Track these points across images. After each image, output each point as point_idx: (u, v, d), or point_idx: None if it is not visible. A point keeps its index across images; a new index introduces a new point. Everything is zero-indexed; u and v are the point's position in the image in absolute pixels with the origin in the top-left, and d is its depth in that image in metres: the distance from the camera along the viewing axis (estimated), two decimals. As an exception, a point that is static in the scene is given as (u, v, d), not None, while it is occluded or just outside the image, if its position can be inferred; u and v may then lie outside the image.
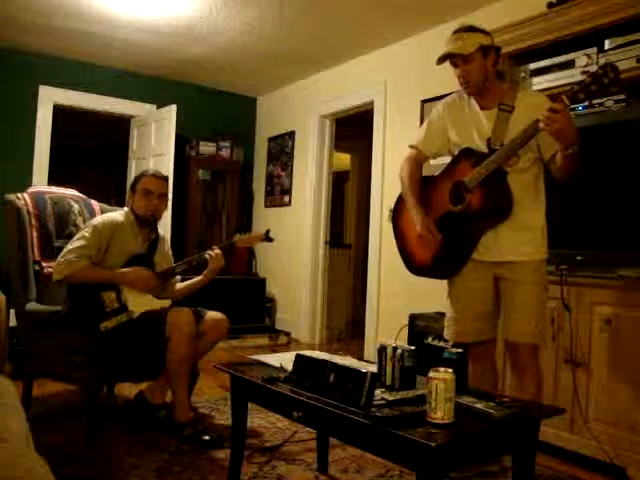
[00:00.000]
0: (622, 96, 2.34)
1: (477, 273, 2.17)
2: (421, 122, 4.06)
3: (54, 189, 3.13)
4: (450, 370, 1.46)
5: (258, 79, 5.56)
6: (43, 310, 2.67)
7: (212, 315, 2.66)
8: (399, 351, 1.72)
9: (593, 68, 2.41)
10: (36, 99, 4.93)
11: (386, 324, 4.31)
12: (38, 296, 2.78)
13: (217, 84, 5.74)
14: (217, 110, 5.81)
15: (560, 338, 2.45)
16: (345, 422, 1.50)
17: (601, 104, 2.41)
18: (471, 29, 2.10)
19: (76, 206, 3.06)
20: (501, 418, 1.48)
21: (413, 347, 1.76)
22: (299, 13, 3.96)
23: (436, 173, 2.28)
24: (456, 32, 2.11)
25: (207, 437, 2.43)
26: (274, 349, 4.95)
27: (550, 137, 1.92)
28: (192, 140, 5.52)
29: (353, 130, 5.78)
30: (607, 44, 2.44)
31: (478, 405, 1.53)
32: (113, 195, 6.52)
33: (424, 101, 4.09)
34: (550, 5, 2.69)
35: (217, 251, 2.71)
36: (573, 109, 1.88)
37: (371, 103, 4.68)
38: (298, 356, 1.79)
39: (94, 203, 3.18)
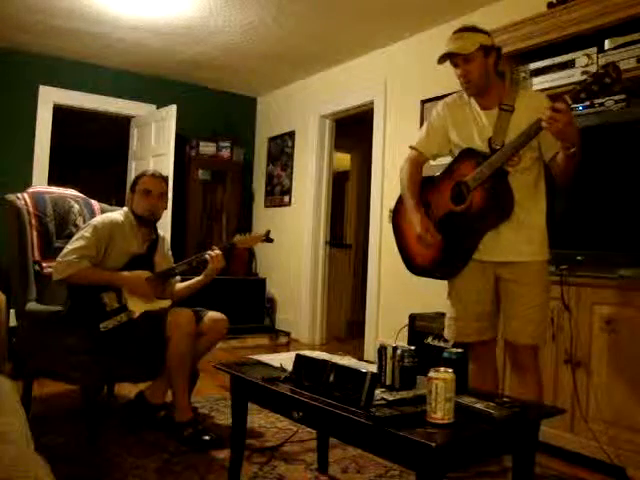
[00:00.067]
0: (622, 96, 2.34)
1: (478, 273, 2.17)
2: (421, 122, 4.06)
3: (54, 189, 3.13)
4: (450, 370, 1.46)
5: (258, 79, 5.56)
6: (43, 310, 2.67)
7: (212, 315, 2.66)
8: (399, 351, 1.72)
9: (593, 68, 2.41)
10: (36, 99, 4.93)
11: (386, 324, 4.31)
12: (38, 296, 2.78)
13: (217, 84, 5.74)
14: (217, 110, 5.81)
15: (560, 338, 2.45)
16: (345, 422, 1.50)
17: (601, 104, 2.41)
18: (472, 29, 2.10)
19: (76, 206, 3.06)
20: (501, 418, 1.48)
21: (413, 347, 1.76)
22: (299, 13, 3.96)
23: (437, 173, 2.28)
24: (457, 32, 2.11)
25: (207, 437, 2.43)
26: (274, 349, 4.95)
27: (551, 137, 1.92)
28: (192, 140, 5.52)
29: (353, 130, 5.78)
30: (607, 44, 2.45)
31: (478, 405, 1.53)
32: (113, 195, 6.53)
33: (424, 101, 4.09)
34: (550, 5, 2.70)
35: (217, 251, 2.71)
36: (573, 109, 1.88)
37: (371, 103, 4.67)
38: (298, 356, 1.79)
39: (94, 203, 3.18)
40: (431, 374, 1.44)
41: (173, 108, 5.02)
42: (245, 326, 5.09)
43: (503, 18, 2.86)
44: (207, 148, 5.57)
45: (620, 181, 2.37)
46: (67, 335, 2.53)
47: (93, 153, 8.60)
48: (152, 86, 5.50)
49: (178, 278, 2.90)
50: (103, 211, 3.09)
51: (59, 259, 2.54)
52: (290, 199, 5.60)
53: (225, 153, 5.65)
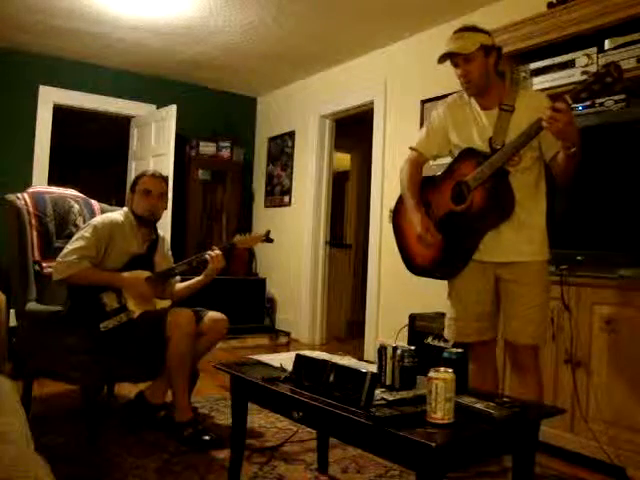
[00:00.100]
0: (622, 96, 2.34)
1: (478, 274, 2.17)
2: (421, 122, 4.07)
3: (54, 189, 3.13)
4: (450, 370, 1.46)
5: (258, 79, 5.56)
6: (43, 310, 2.67)
7: (212, 315, 2.66)
8: (399, 351, 1.72)
9: (593, 68, 2.41)
10: (36, 99, 4.93)
11: (386, 324, 4.31)
12: (38, 296, 2.78)
13: (217, 84, 5.74)
14: (217, 110, 5.81)
15: (560, 338, 2.45)
16: (345, 422, 1.50)
17: (601, 104, 2.41)
18: (472, 29, 2.10)
19: (76, 206, 3.06)
20: (501, 418, 1.48)
21: (413, 347, 1.76)
22: (299, 13, 3.96)
23: (438, 173, 2.28)
24: (457, 31, 2.11)
25: (207, 437, 2.43)
26: (274, 349, 4.95)
27: (552, 136, 1.92)
28: (192, 140, 5.52)
29: (353, 130, 5.78)
30: (607, 44, 2.45)
31: (478, 405, 1.53)
32: (113, 195, 6.53)
33: (424, 101, 4.09)
34: (550, 5, 2.70)
35: (217, 251, 2.71)
36: (572, 109, 1.88)
37: (371, 103, 4.67)
38: (298, 356, 1.79)
39: (94, 203, 3.18)
40: (431, 374, 1.44)
41: (173, 108, 5.02)
42: (245, 326, 5.09)
43: (503, 18, 2.86)
44: (207, 148, 5.57)
45: (620, 181, 2.37)
46: (67, 335, 2.53)
47: (93, 153, 8.60)
48: (152, 86, 5.50)
49: (178, 278, 2.90)
50: (103, 211, 3.09)
51: (59, 259, 2.54)
52: (290, 199, 5.60)
53: (225, 153, 5.65)
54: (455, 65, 2.12)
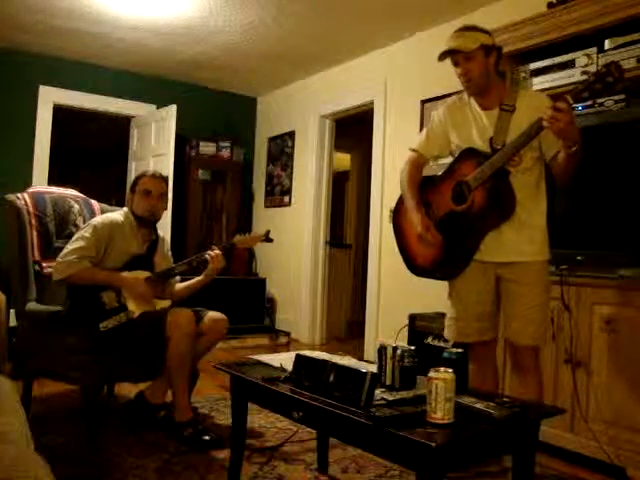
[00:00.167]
0: (622, 96, 2.34)
1: (479, 274, 2.17)
2: (421, 122, 4.07)
3: (54, 189, 3.13)
4: (450, 370, 1.46)
5: (258, 79, 5.56)
6: (43, 310, 2.67)
7: (212, 315, 2.66)
8: (399, 351, 1.72)
9: (593, 68, 2.41)
10: (36, 99, 4.93)
11: (386, 324, 4.31)
12: (38, 296, 2.78)
13: (217, 84, 5.74)
14: (217, 110, 5.81)
15: (560, 338, 2.45)
16: (345, 422, 1.50)
17: (601, 104, 2.41)
18: (473, 28, 2.10)
19: (76, 206, 3.06)
20: (501, 418, 1.48)
21: (413, 347, 1.76)
22: (299, 13, 3.96)
23: (438, 173, 2.28)
24: (458, 30, 2.11)
25: (207, 437, 2.43)
26: (274, 349, 4.95)
27: (552, 136, 1.93)
28: (192, 140, 5.52)
29: (353, 130, 5.78)
30: (607, 44, 2.45)
31: (478, 405, 1.53)
32: (113, 195, 6.53)
33: (424, 101, 4.09)
34: (550, 5, 2.70)
35: (217, 251, 2.71)
36: (572, 109, 1.88)
37: (371, 103, 4.67)
38: (298, 356, 1.79)
39: (94, 203, 3.18)
40: (431, 374, 1.44)
41: (173, 108, 5.02)
42: (245, 326, 5.09)
43: (503, 18, 2.86)
44: (207, 148, 5.57)
45: (620, 181, 2.37)
46: (67, 335, 2.53)
47: (93, 153, 8.61)
48: (152, 86, 5.50)
49: (178, 278, 2.90)
50: (103, 211, 3.09)
51: (59, 259, 2.54)
52: (290, 199, 5.60)
53: (225, 153, 5.65)
54: (455, 64, 2.11)
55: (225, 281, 4.95)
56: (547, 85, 2.66)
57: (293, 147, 5.62)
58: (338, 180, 6.14)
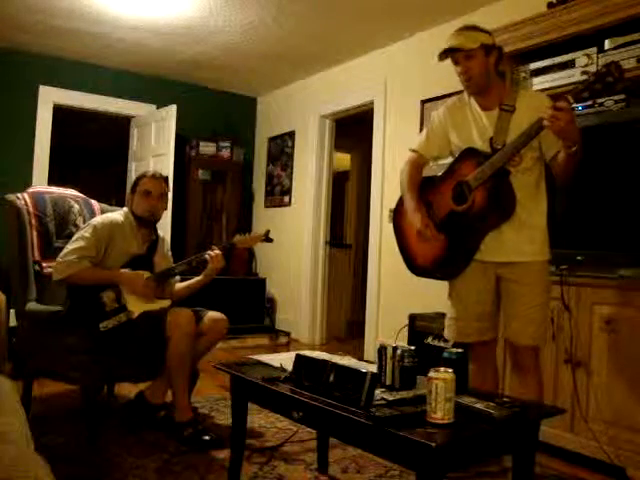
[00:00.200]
0: (622, 96, 2.34)
1: (479, 274, 2.17)
2: (421, 122, 4.07)
3: (54, 189, 3.13)
4: (450, 370, 1.46)
5: (258, 79, 5.56)
6: (43, 310, 2.67)
7: (211, 315, 2.66)
8: (399, 351, 1.72)
9: (593, 68, 2.41)
10: (36, 99, 4.93)
11: (386, 324, 4.31)
12: (38, 296, 2.78)
13: (217, 84, 5.74)
14: (217, 110, 5.81)
15: (560, 338, 2.45)
16: (345, 422, 1.50)
17: (601, 104, 2.41)
18: (473, 28, 2.10)
19: (76, 206, 3.06)
20: (501, 418, 1.48)
21: (413, 347, 1.76)
22: (299, 13, 3.96)
23: (439, 173, 2.28)
24: (458, 30, 2.11)
25: (207, 437, 2.43)
26: (274, 349, 4.95)
27: (552, 136, 1.93)
28: (192, 140, 5.51)
29: (353, 130, 5.78)
30: (607, 44, 2.45)
31: (478, 405, 1.53)
32: (113, 195, 6.53)
33: (424, 101, 4.09)
34: (550, 5, 2.70)
35: (217, 251, 2.71)
36: (572, 109, 1.88)
37: (371, 103, 4.67)
38: (298, 356, 1.79)
39: (94, 203, 3.18)
40: (431, 374, 1.44)
41: (173, 108, 5.02)
42: (245, 326, 5.09)
43: (503, 18, 2.86)
44: (207, 148, 5.57)
45: (620, 181, 2.37)
46: (67, 335, 2.53)
47: (93, 153, 8.61)
48: (152, 86, 5.50)
49: (178, 278, 2.90)
50: (103, 211, 3.09)
51: (59, 259, 2.54)
52: (290, 199, 5.60)
53: (225, 153, 5.64)
54: (455, 62, 2.11)
55: (225, 281, 4.96)
56: (547, 85, 2.66)
57: (293, 147, 5.62)
58: (338, 180, 6.14)
